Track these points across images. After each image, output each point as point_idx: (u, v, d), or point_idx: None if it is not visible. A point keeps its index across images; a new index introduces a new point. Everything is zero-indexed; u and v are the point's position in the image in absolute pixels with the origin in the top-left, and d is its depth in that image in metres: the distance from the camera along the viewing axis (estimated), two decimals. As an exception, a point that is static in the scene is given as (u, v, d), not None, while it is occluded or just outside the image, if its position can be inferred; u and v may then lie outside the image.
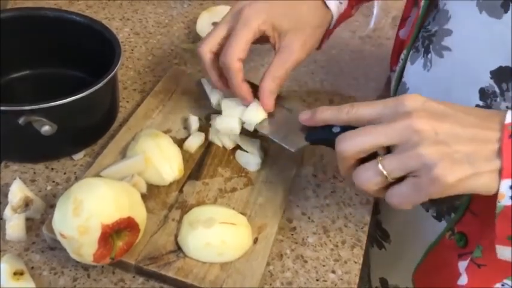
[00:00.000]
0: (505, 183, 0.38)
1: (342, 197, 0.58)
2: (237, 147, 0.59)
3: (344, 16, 0.63)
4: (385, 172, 0.39)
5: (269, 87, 0.54)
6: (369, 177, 0.41)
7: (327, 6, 0.58)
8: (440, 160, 0.37)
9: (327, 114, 0.45)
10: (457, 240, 0.55)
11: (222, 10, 0.79)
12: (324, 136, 0.46)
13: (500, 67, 0.48)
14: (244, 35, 0.53)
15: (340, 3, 0.60)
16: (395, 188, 0.40)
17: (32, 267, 0.47)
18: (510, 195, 0.38)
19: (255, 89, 0.55)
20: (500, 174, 0.38)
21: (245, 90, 0.55)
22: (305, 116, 0.48)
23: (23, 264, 0.47)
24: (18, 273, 0.45)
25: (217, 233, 0.48)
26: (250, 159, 0.58)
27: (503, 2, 0.47)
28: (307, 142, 0.50)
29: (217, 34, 0.55)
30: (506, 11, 0.47)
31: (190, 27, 0.81)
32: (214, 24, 0.76)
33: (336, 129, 0.45)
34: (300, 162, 0.60)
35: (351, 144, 0.41)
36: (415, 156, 0.38)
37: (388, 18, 0.92)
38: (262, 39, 0.56)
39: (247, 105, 0.55)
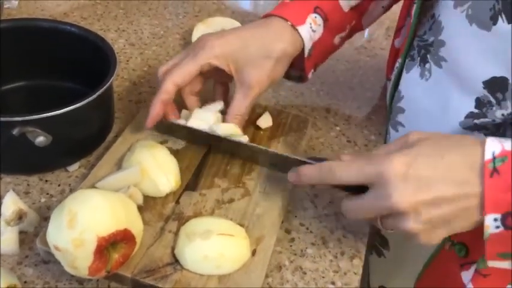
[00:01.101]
0: (489, 217, 0.41)
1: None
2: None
3: (324, 45, 0.62)
4: (385, 231, 0.46)
5: (232, 121, 0.58)
6: (378, 227, 0.47)
7: (297, 33, 0.58)
8: (424, 234, 0.43)
9: (310, 178, 0.48)
10: (457, 251, 0.54)
11: (217, 21, 0.79)
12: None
13: (494, 77, 0.49)
14: (188, 66, 0.56)
15: (313, 31, 0.59)
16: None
17: (25, 282, 0.46)
18: (495, 225, 0.41)
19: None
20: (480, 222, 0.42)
21: (153, 113, 0.56)
22: (292, 178, 0.50)
23: (16, 278, 0.45)
24: (11, 288, 0.44)
25: (215, 245, 0.47)
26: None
27: (492, 14, 0.47)
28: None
29: (172, 61, 0.58)
30: (495, 23, 0.47)
31: (186, 38, 0.81)
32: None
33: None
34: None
35: (352, 216, 0.47)
36: (403, 229, 0.43)
37: (382, 29, 0.93)
38: (220, 73, 0.58)
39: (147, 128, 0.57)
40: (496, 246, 0.43)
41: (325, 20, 0.60)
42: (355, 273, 0.51)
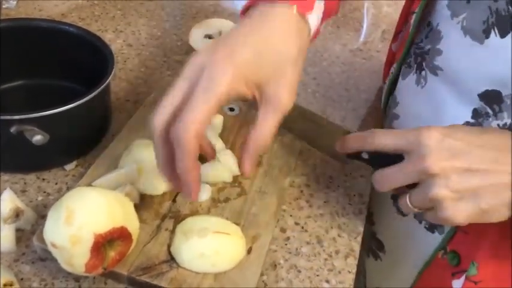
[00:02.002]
0: None
1: (335, 207, 0.58)
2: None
3: (316, 33, 0.53)
4: (412, 207, 0.46)
5: (251, 153, 0.45)
6: (406, 208, 0.47)
7: (304, 21, 0.47)
8: (449, 203, 0.42)
9: (354, 144, 0.49)
10: (449, 259, 0.55)
11: (215, 23, 0.79)
12: (357, 159, 0.51)
13: (487, 90, 0.49)
14: (203, 108, 0.40)
15: (318, 18, 0.50)
16: (425, 214, 0.46)
17: (22, 279, 0.47)
18: None
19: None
20: None
21: (193, 180, 0.43)
22: (338, 146, 0.51)
23: (12, 275, 0.46)
24: (8, 285, 0.45)
25: (211, 243, 0.48)
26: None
27: (485, 27, 0.47)
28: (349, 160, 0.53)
29: (169, 104, 0.42)
30: (487, 37, 0.47)
31: (183, 39, 0.82)
32: (207, 36, 0.77)
33: (364, 155, 0.50)
34: (293, 172, 0.60)
35: (383, 186, 0.47)
36: (430, 197, 0.43)
37: (378, 32, 0.94)
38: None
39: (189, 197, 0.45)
40: None
41: (325, 6, 0.51)
42: (349, 272, 0.52)
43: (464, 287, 0.52)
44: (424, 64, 0.56)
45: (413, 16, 0.56)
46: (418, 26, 0.57)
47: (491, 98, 0.49)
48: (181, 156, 0.41)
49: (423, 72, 0.56)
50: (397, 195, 0.48)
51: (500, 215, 0.43)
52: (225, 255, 0.48)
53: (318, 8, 0.49)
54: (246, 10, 0.48)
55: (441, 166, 0.42)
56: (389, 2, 1.02)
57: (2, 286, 0.44)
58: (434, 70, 0.54)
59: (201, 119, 0.40)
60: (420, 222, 0.59)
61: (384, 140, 0.46)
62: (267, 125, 0.44)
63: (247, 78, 0.43)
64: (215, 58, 0.42)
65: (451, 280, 0.54)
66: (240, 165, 0.46)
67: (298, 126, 0.61)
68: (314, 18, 0.48)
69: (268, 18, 0.45)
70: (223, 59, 0.41)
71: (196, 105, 0.40)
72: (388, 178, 0.45)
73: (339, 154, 0.52)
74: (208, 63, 0.41)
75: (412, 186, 0.45)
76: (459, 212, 0.42)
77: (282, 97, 0.44)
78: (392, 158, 0.46)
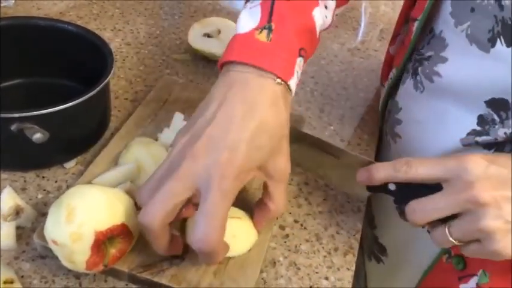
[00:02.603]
0: None
1: (334, 204, 0.58)
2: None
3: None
4: (451, 239, 0.42)
5: (265, 222, 0.50)
6: (442, 241, 0.43)
7: (287, 86, 0.45)
8: (502, 236, 0.39)
9: (383, 174, 0.45)
10: (455, 264, 0.54)
11: (213, 22, 0.80)
12: (381, 191, 0.47)
13: (493, 99, 0.48)
14: (224, 208, 0.41)
15: (298, 78, 0.47)
16: (465, 247, 0.43)
17: (22, 276, 0.47)
18: None
19: None
20: None
21: (172, 252, 0.45)
22: (362, 177, 0.47)
23: (13, 273, 0.46)
24: (8, 282, 0.45)
25: (227, 228, 0.45)
26: None
27: (490, 36, 0.46)
28: (369, 193, 0.50)
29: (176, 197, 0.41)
30: (493, 46, 0.46)
31: (182, 38, 0.82)
32: (206, 35, 0.77)
33: (391, 187, 0.46)
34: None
35: (420, 218, 0.43)
36: (478, 229, 0.40)
37: (376, 31, 0.94)
38: None
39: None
40: None
41: (305, 60, 0.49)
42: (348, 269, 0.52)
43: None
44: (419, 70, 0.56)
45: (416, 23, 0.55)
46: (420, 33, 0.56)
47: (499, 105, 0.48)
48: (214, 259, 0.43)
49: (418, 77, 0.56)
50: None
51: None
52: (241, 238, 0.48)
53: (299, 67, 0.46)
54: (222, 65, 0.46)
55: (492, 195, 0.39)
56: (387, 1, 1.02)
57: (2, 284, 0.44)
58: (430, 76, 0.53)
59: (166, 209, 0.41)
60: (423, 227, 0.59)
61: (421, 169, 0.42)
62: (280, 197, 0.46)
63: (250, 169, 0.42)
64: (221, 161, 0.40)
65: (459, 284, 0.54)
66: (256, 227, 0.50)
67: (308, 158, 0.55)
68: (295, 81, 0.46)
69: (257, 95, 0.42)
70: (229, 161, 0.40)
71: (216, 212, 0.40)
72: (427, 209, 0.42)
73: (359, 188, 0.48)
74: (216, 166, 0.40)
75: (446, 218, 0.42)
76: (510, 244, 0.40)
77: (282, 168, 0.45)
78: (423, 190, 0.42)
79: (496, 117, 0.49)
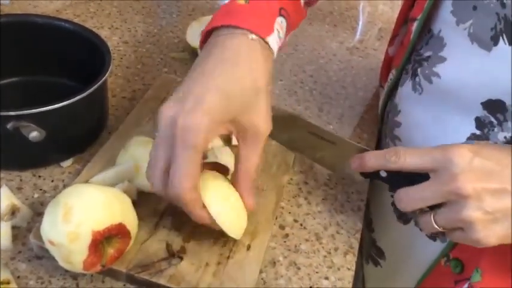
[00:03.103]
0: None
1: (334, 204, 0.58)
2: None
3: (282, 47, 0.51)
4: (436, 226, 0.44)
5: (248, 187, 0.47)
6: (427, 228, 0.45)
7: (267, 44, 0.46)
8: (482, 226, 0.41)
9: (374, 163, 0.47)
10: (452, 267, 0.54)
11: (211, 20, 0.79)
12: (373, 178, 0.49)
13: (490, 100, 0.48)
14: (188, 160, 0.41)
15: (279, 37, 0.48)
16: (449, 234, 0.45)
17: (19, 277, 0.46)
18: None
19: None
20: None
21: (206, 219, 0.46)
22: (355, 164, 0.49)
23: (9, 273, 0.45)
24: (4, 283, 0.44)
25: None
26: None
27: (493, 34, 0.46)
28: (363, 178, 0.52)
29: (157, 164, 0.43)
30: (495, 44, 0.46)
31: (180, 36, 0.81)
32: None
33: (383, 174, 0.48)
34: (292, 169, 0.60)
35: (407, 206, 0.45)
36: (460, 219, 0.41)
37: (375, 30, 0.94)
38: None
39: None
40: None
41: (288, 21, 0.49)
42: (349, 269, 0.51)
43: None
44: (418, 70, 0.55)
45: (415, 23, 0.55)
46: (419, 33, 0.56)
47: (495, 107, 0.48)
48: (188, 210, 0.44)
49: (417, 79, 0.55)
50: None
51: None
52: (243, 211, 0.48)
53: (279, 27, 0.47)
54: (204, 39, 0.47)
55: (474, 187, 0.40)
56: (385, 1, 1.02)
57: (-2, 284, 0.44)
58: (429, 77, 0.53)
59: (189, 175, 0.42)
60: (421, 230, 0.59)
61: (409, 159, 0.43)
62: (250, 158, 0.45)
63: (220, 120, 0.43)
64: (185, 109, 0.41)
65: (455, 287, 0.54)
66: (243, 202, 0.47)
67: (306, 143, 0.56)
68: (275, 38, 0.46)
69: (230, 51, 0.44)
70: (193, 109, 0.41)
71: (180, 164, 0.41)
72: (414, 198, 0.43)
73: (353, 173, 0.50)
74: (180, 116, 0.41)
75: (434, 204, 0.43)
76: (492, 234, 0.41)
77: (258, 125, 0.44)
78: (413, 177, 0.43)
79: (493, 119, 0.48)
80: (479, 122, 0.50)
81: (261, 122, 0.44)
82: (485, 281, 0.49)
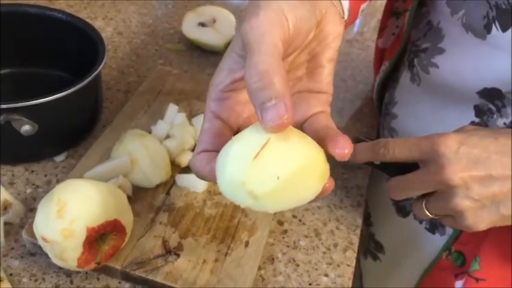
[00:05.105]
0: None
1: (333, 199, 0.57)
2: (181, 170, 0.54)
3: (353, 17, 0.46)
4: (428, 213, 0.45)
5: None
6: (420, 214, 0.46)
7: None
8: (471, 213, 0.42)
9: (364, 156, 0.46)
10: (454, 260, 0.54)
11: (207, 10, 0.77)
12: (368, 164, 0.49)
13: (485, 88, 0.48)
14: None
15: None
16: (442, 220, 0.46)
17: (11, 274, 0.45)
18: None
19: None
20: None
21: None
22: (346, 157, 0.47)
23: (1, 270, 0.44)
24: (-4, 281, 0.43)
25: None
26: (195, 179, 0.46)
27: (486, 23, 0.46)
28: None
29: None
30: (489, 32, 0.46)
31: (176, 27, 0.79)
32: (201, 24, 0.75)
33: (376, 162, 0.48)
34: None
35: (398, 195, 0.46)
36: (450, 207, 0.42)
37: (373, 21, 0.92)
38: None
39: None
40: None
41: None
42: (348, 265, 0.51)
43: (465, 285, 0.51)
44: (415, 61, 0.55)
45: (407, 14, 0.55)
46: (413, 24, 0.55)
47: (491, 95, 0.48)
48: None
49: (415, 69, 0.55)
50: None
51: None
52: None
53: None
54: None
55: (461, 176, 0.41)
56: (384, -8, 1.01)
57: (-10, 282, 0.42)
58: (427, 68, 0.53)
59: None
60: (420, 223, 0.58)
61: (398, 151, 0.44)
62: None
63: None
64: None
65: (454, 281, 0.53)
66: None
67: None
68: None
69: None
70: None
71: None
72: (405, 187, 0.44)
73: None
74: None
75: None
76: (481, 220, 0.42)
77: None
78: (405, 164, 0.44)
79: (492, 106, 0.49)
80: (478, 110, 0.50)
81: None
82: (484, 270, 0.49)
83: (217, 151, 0.34)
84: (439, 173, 0.41)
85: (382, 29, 0.65)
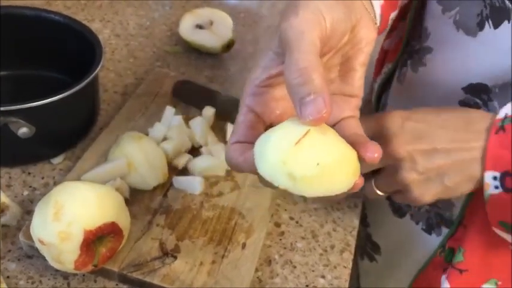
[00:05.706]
0: (489, 174, 0.42)
1: (330, 201, 0.57)
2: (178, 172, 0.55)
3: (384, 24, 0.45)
4: (378, 192, 0.47)
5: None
6: (371, 194, 0.47)
7: None
8: (416, 186, 0.43)
9: None
10: (445, 256, 0.54)
11: (205, 13, 0.78)
12: None
13: (471, 84, 0.49)
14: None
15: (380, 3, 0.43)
16: (392, 196, 0.48)
17: (8, 277, 0.45)
18: (494, 185, 0.42)
19: None
20: (480, 180, 0.42)
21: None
22: None
23: (-2, 273, 0.44)
24: (-7, 283, 0.43)
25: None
26: (193, 181, 0.53)
27: (479, 20, 0.47)
28: None
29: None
30: (481, 29, 0.47)
31: (173, 29, 0.80)
32: (198, 26, 0.75)
33: None
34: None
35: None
36: (397, 182, 0.44)
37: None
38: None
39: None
40: (497, 212, 0.43)
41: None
42: (345, 267, 0.51)
43: (449, 276, 0.51)
44: (408, 62, 0.56)
45: (408, 17, 0.56)
46: (415, 26, 0.56)
47: (477, 90, 0.49)
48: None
49: (403, 69, 0.56)
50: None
51: (464, 190, 0.44)
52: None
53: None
54: None
55: (406, 150, 0.43)
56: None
57: (-14, 285, 0.42)
58: (417, 68, 0.54)
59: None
60: (417, 224, 0.58)
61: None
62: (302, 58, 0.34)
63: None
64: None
65: (442, 275, 0.54)
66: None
67: None
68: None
69: None
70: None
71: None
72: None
73: None
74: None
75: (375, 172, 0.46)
76: (426, 192, 0.43)
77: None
78: None
79: (478, 100, 0.49)
80: (463, 105, 0.51)
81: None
82: (468, 260, 0.50)
83: (250, 143, 0.36)
84: (385, 146, 0.42)
85: (391, 30, 0.65)
